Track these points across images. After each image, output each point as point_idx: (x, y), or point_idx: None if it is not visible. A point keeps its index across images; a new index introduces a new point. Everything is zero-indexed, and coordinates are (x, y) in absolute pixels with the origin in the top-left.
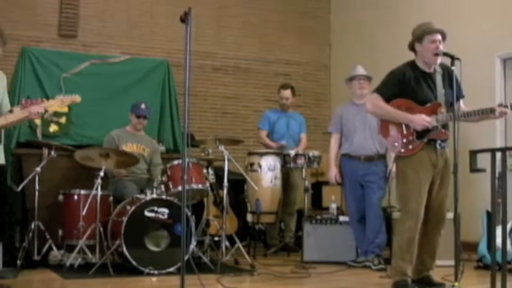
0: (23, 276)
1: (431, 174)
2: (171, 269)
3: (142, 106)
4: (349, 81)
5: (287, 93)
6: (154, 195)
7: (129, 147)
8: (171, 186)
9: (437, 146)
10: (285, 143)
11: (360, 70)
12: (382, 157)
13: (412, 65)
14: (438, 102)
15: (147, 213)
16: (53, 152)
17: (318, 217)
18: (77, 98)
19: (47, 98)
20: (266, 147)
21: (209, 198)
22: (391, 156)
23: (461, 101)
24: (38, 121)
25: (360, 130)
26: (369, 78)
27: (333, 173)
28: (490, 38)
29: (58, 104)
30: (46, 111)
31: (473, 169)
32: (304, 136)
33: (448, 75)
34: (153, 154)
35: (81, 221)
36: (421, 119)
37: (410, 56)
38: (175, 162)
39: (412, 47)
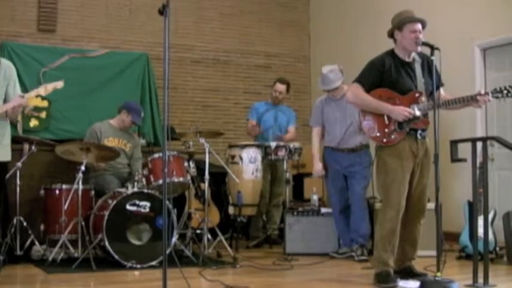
0: (6, 272)
1: (412, 164)
2: (153, 263)
3: (142, 115)
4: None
5: (282, 87)
6: (136, 189)
7: (110, 142)
8: (152, 179)
9: (418, 135)
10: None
11: (330, 83)
12: (366, 147)
13: (391, 54)
14: (419, 91)
15: (128, 207)
16: (33, 147)
17: (300, 209)
18: (59, 84)
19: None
20: (251, 133)
21: (190, 191)
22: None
23: (442, 89)
24: (18, 116)
25: (341, 122)
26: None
27: (318, 167)
28: (469, 27)
29: (42, 91)
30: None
31: (454, 159)
32: (292, 128)
33: (427, 64)
34: (134, 148)
35: (63, 215)
36: (403, 110)
37: (390, 47)
38: (156, 155)
39: (391, 35)
